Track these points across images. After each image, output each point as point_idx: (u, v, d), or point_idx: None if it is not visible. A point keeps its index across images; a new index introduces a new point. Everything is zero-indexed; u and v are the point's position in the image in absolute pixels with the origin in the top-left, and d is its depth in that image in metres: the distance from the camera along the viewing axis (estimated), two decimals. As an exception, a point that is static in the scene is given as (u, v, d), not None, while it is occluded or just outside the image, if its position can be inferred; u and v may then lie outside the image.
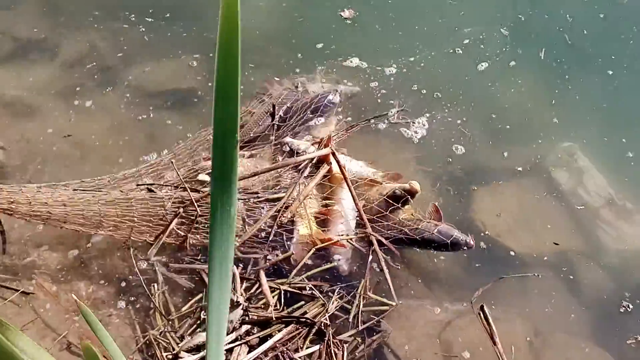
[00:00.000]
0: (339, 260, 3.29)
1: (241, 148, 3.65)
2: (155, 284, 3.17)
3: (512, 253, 3.40)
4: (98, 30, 4.35)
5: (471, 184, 3.69)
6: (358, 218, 3.43)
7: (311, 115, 3.83)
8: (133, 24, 4.38)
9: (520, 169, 3.73)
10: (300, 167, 3.52)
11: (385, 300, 3.16)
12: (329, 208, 3.46)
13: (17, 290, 3.17)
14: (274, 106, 3.80)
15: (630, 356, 3.11)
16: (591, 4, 4.55)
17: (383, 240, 3.33)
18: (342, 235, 3.36)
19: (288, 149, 3.68)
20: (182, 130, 3.88)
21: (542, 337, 3.15)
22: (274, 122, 3.78)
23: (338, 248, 3.31)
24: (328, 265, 3.28)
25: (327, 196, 3.51)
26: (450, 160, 3.76)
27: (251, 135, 3.77)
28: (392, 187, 3.45)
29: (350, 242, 3.33)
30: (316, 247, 3.30)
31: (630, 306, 3.26)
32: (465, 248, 3.32)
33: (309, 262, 3.27)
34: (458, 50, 4.23)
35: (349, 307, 3.10)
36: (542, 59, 4.22)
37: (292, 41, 4.29)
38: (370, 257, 3.28)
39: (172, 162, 3.45)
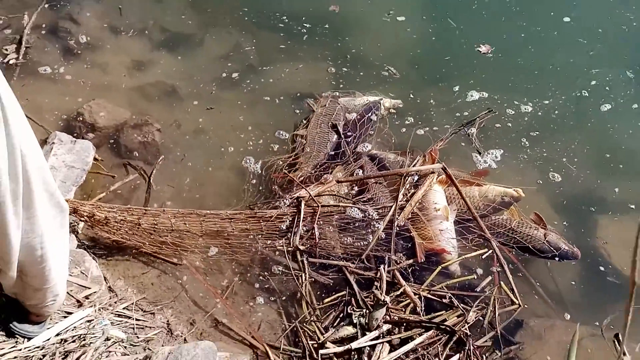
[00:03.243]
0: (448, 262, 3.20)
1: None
2: (303, 274, 3.08)
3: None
4: (243, 30, 4.29)
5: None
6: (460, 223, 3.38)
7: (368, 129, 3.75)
8: (280, 27, 4.33)
9: (633, 206, 3.55)
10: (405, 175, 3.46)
11: (513, 297, 3.07)
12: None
13: (170, 262, 3.15)
14: (334, 125, 3.70)
15: None
16: None
17: (498, 247, 3.25)
18: (448, 241, 3.27)
19: (372, 160, 3.64)
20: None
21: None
22: (341, 140, 3.67)
23: (443, 255, 3.22)
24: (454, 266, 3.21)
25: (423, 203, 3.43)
26: (541, 182, 3.65)
27: (318, 154, 3.64)
28: (498, 192, 3.40)
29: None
30: (426, 250, 3.22)
31: None
32: (571, 259, 3.27)
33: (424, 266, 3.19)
34: (584, 93, 4.05)
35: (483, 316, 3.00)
36: (666, 104, 4.04)
37: (417, 68, 4.21)
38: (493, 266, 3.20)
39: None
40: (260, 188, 3.47)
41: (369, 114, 3.75)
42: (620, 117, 3.94)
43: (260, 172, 3.54)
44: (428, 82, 4.07)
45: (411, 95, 3.98)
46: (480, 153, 3.70)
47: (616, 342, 2.96)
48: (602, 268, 3.31)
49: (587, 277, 3.29)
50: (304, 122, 3.83)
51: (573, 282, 3.28)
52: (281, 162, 3.58)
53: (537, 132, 3.83)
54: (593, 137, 3.86)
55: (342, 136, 3.68)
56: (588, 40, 4.32)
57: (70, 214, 3.00)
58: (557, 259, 3.27)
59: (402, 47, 4.24)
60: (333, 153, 3.66)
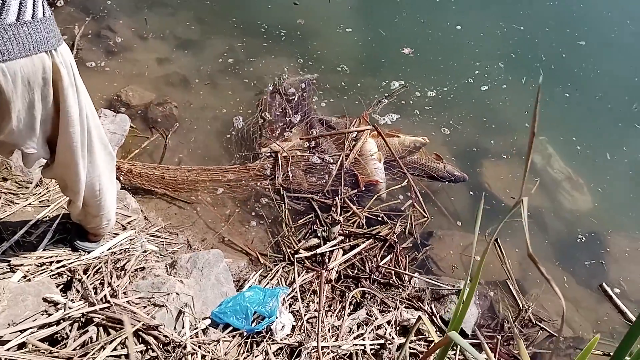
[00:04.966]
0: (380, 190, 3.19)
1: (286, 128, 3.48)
2: (283, 204, 3.03)
3: (503, 205, 3.30)
4: (234, 35, 4.10)
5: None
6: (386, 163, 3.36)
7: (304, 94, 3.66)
8: (261, 32, 4.14)
9: (505, 155, 3.58)
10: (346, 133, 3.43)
11: (423, 213, 3.12)
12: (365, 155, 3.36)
13: (187, 201, 3.04)
14: (278, 90, 3.62)
15: (583, 272, 3.08)
16: (558, 48, 4.31)
17: (412, 179, 3.26)
18: (380, 175, 3.25)
19: (323, 122, 3.53)
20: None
21: (527, 260, 3.07)
22: (282, 99, 3.57)
23: (377, 185, 3.21)
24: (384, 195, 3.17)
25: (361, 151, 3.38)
26: (434, 134, 3.60)
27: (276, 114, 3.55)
28: (412, 140, 3.39)
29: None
30: (365, 182, 3.19)
31: (584, 238, 3.21)
32: (462, 181, 3.33)
33: (365, 195, 3.17)
34: (470, 80, 4.00)
35: (405, 228, 3.01)
36: (524, 84, 4.01)
37: (362, 65, 4.08)
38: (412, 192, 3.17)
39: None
40: (242, 141, 3.38)
41: (306, 82, 3.70)
42: (493, 94, 3.92)
43: (242, 127, 3.43)
44: (368, 74, 3.94)
45: (343, 82, 3.87)
46: (379, 115, 3.67)
47: (495, 244, 3.04)
48: (482, 193, 3.33)
49: (472, 200, 3.30)
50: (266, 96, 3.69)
51: (453, 199, 3.31)
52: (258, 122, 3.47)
53: (430, 107, 3.79)
54: (475, 107, 3.82)
55: (283, 96, 3.58)
56: (473, 42, 4.26)
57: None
58: (453, 182, 3.31)
59: (350, 50, 4.12)
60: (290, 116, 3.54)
